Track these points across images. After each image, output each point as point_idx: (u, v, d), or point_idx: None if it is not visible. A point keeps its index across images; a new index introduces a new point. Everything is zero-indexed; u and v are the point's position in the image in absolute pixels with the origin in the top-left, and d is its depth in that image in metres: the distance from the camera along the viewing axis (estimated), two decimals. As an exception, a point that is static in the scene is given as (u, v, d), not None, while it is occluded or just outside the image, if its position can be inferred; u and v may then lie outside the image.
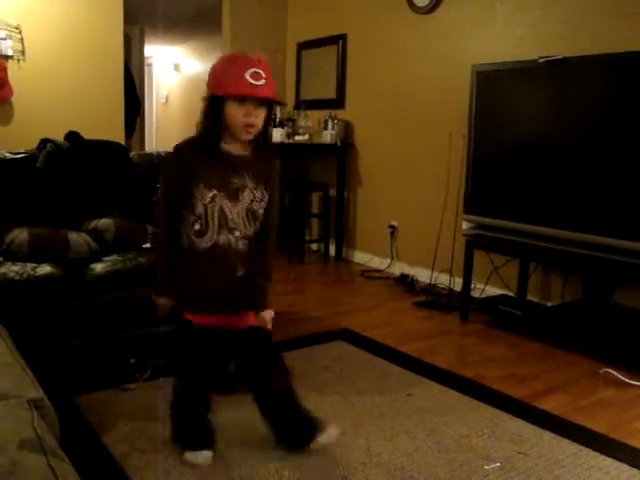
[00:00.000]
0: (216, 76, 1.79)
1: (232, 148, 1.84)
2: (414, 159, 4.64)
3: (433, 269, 4.33)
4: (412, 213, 4.69)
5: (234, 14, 5.56)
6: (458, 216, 3.99)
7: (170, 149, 1.86)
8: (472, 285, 3.79)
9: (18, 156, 3.26)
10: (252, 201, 1.86)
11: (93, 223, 3.08)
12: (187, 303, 1.91)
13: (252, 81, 1.72)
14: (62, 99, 4.53)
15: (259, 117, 1.79)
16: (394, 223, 4.86)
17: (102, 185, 3.39)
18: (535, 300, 3.80)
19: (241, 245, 1.86)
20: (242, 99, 1.74)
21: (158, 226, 1.90)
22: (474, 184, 3.72)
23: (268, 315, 2.00)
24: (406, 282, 4.50)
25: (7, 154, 3.25)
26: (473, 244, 3.70)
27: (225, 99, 1.75)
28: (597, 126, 3.12)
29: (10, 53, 4.32)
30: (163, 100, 9.02)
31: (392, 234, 4.88)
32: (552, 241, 3.27)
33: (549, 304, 3.71)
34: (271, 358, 2.06)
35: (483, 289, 4.01)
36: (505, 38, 3.92)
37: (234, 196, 1.82)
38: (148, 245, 3.12)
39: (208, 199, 1.79)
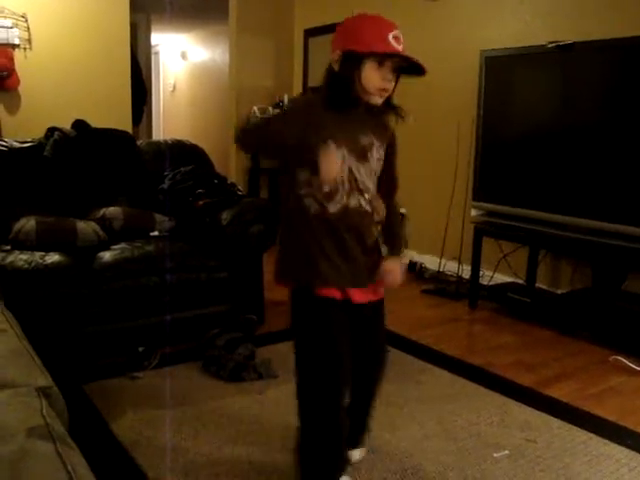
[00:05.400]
0: (355, 32, 1.66)
1: (358, 108, 1.70)
2: (422, 146, 4.60)
3: (442, 257, 4.31)
4: (420, 200, 4.66)
5: (241, 1, 5.52)
6: (467, 203, 3.96)
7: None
8: (481, 273, 3.78)
9: (25, 145, 3.27)
10: (378, 160, 1.78)
11: (101, 211, 3.08)
12: (318, 276, 1.66)
13: (394, 44, 1.63)
14: (69, 88, 4.52)
15: (392, 82, 1.70)
16: (402, 211, 4.82)
17: (109, 173, 3.39)
18: (544, 287, 3.78)
19: (369, 208, 1.75)
20: (381, 61, 1.64)
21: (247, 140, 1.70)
22: (483, 171, 3.69)
23: (399, 263, 1.83)
24: (414, 270, 4.48)
25: (15, 143, 3.26)
26: (482, 231, 3.68)
27: (363, 58, 1.63)
28: (606, 111, 3.08)
29: (17, 42, 4.30)
30: (170, 88, 8.99)
31: (400, 221, 4.84)
32: (562, 228, 3.24)
33: (559, 291, 3.68)
34: (384, 344, 1.89)
35: (492, 277, 3.99)
36: (514, 23, 3.87)
37: (362, 156, 1.71)
38: (156, 233, 3.12)
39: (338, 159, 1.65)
